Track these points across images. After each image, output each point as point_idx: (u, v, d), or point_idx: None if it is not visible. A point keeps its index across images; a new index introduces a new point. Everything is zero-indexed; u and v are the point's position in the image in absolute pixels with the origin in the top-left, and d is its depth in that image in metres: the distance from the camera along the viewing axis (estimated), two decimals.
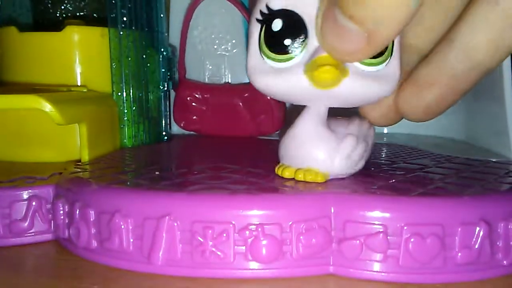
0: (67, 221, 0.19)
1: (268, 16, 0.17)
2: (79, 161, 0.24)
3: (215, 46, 0.37)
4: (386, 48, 0.17)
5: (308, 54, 0.17)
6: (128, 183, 0.19)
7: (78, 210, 0.18)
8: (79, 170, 0.22)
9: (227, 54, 0.37)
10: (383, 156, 0.27)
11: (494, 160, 0.25)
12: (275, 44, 0.17)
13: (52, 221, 0.20)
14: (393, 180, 0.20)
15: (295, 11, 0.17)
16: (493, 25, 0.17)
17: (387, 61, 0.17)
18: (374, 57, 0.17)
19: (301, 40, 0.17)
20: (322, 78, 0.16)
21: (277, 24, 0.17)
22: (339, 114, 0.20)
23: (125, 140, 0.29)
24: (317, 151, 0.18)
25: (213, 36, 0.37)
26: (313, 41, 0.17)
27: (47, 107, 0.21)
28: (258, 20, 0.18)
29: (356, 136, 0.19)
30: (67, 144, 0.26)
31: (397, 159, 0.25)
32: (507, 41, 0.17)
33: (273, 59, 0.17)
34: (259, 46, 0.18)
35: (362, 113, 0.21)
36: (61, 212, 0.19)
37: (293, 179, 0.19)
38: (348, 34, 0.16)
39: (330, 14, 0.16)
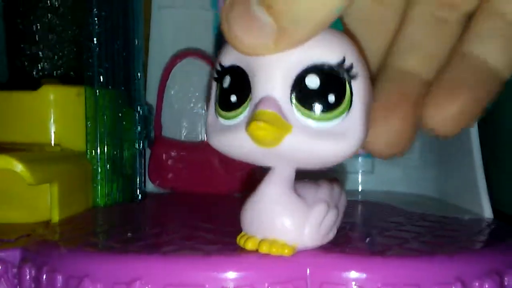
0: (33, 287, 0.18)
1: (221, 73, 0.17)
2: (49, 222, 0.24)
3: (192, 105, 0.37)
4: (340, 101, 0.15)
5: (252, 109, 0.16)
6: (99, 246, 0.19)
7: (45, 275, 0.18)
8: (48, 232, 0.21)
9: (203, 112, 0.37)
10: (359, 214, 0.27)
11: (466, 217, 0.25)
12: (223, 101, 0.16)
13: (18, 287, 0.19)
14: (369, 239, 0.20)
15: (241, 66, 0.16)
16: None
17: (343, 116, 0.15)
18: (325, 112, 0.15)
19: (245, 95, 0.16)
20: (255, 135, 0.15)
21: (226, 81, 0.16)
22: (308, 176, 0.18)
23: (97, 199, 0.29)
24: (283, 219, 0.17)
25: (189, 95, 0.37)
26: (256, 96, 0.16)
27: (18, 167, 0.21)
28: (214, 78, 0.17)
29: (327, 202, 0.17)
30: (37, 204, 0.25)
31: (372, 217, 0.25)
32: None
33: (223, 117, 0.17)
34: (214, 104, 0.17)
35: (363, 147, 0.17)
36: (28, 277, 0.19)
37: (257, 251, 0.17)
38: (258, 26, 0.14)
39: (243, 0, 0.14)
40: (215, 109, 0.17)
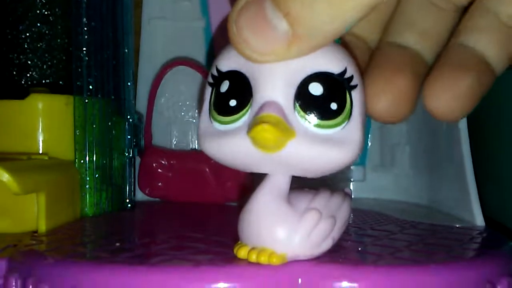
0: None
1: (218, 79, 0.16)
2: (36, 232, 0.23)
3: (182, 113, 0.37)
4: (342, 109, 0.16)
5: (253, 114, 0.16)
6: (87, 256, 0.18)
7: (31, 286, 0.17)
8: (34, 242, 0.21)
9: (193, 120, 0.37)
10: (350, 222, 0.27)
11: (457, 225, 0.25)
12: (221, 105, 0.16)
13: None
14: (360, 248, 0.19)
15: (241, 71, 0.16)
16: None
17: (344, 124, 0.16)
18: (327, 119, 0.15)
19: (246, 100, 0.16)
20: (260, 138, 0.15)
21: (224, 86, 0.16)
22: (309, 184, 0.18)
23: (86, 209, 0.28)
24: (271, 228, 0.16)
25: (180, 103, 0.37)
26: (258, 100, 0.16)
27: (4, 176, 0.21)
28: (209, 83, 0.17)
29: (319, 211, 0.17)
30: (24, 214, 0.25)
31: (364, 225, 0.25)
32: None
33: (220, 122, 0.16)
34: (209, 109, 0.17)
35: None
36: None
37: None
38: (272, 33, 0.14)
39: (257, 4, 0.14)
40: (210, 114, 0.17)
